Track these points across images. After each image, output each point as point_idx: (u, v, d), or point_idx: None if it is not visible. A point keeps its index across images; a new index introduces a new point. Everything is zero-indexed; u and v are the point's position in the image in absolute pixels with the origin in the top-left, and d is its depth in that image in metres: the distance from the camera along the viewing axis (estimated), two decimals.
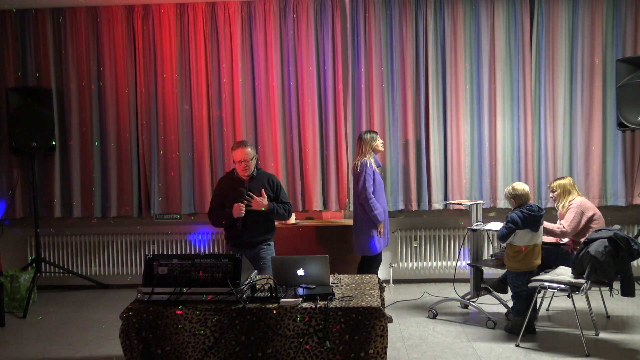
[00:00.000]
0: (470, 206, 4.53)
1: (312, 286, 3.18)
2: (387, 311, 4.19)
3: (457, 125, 5.27)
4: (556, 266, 4.15)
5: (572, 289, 3.71)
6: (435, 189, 5.29)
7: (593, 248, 3.62)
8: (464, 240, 5.31)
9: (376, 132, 4.54)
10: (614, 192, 5.23)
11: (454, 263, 5.41)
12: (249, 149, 3.98)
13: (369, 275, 3.63)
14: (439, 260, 5.48)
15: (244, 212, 3.91)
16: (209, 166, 5.39)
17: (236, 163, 4.01)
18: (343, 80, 5.31)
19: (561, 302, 4.62)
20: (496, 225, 4.24)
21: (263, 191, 3.98)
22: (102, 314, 4.75)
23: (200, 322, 2.96)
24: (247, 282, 3.16)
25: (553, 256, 4.31)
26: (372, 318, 2.89)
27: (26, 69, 5.37)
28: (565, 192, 4.41)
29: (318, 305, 2.93)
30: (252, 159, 4.00)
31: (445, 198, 5.32)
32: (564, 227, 4.28)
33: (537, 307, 4.13)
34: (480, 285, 4.49)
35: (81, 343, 4.10)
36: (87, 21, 5.35)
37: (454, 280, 4.96)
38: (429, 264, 5.49)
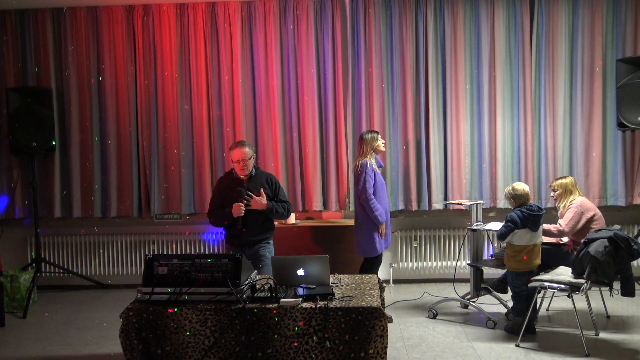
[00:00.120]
0: (470, 206, 4.52)
1: (312, 286, 3.18)
2: (387, 311, 4.20)
3: (457, 125, 5.27)
4: (556, 266, 4.16)
5: (572, 289, 3.71)
6: (435, 189, 5.29)
7: (593, 248, 3.62)
8: (464, 240, 5.31)
9: (377, 132, 4.50)
10: (614, 192, 5.23)
11: (454, 263, 5.41)
12: (247, 149, 4.00)
13: (369, 275, 3.63)
14: (439, 260, 5.49)
15: (243, 211, 3.92)
16: (209, 166, 5.39)
17: (234, 163, 4.03)
18: (343, 80, 5.31)
19: (561, 302, 4.62)
20: (496, 225, 4.24)
21: (262, 190, 3.99)
22: (102, 314, 4.75)
23: (200, 322, 2.96)
24: (247, 282, 3.16)
25: (553, 256, 4.31)
26: (372, 318, 2.89)
27: (26, 69, 5.37)
28: (567, 192, 4.40)
29: (318, 305, 2.93)
30: (250, 159, 4.02)
31: (445, 198, 5.32)
32: (561, 227, 4.28)
33: (537, 307, 4.13)
34: (480, 285, 4.49)
35: (81, 343, 4.10)
36: (87, 21, 5.35)
37: (454, 280, 4.96)
38: (429, 264, 5.49)
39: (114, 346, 3.90)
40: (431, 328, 4.19)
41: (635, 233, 5.17)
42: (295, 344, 2.91)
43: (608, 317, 4.35)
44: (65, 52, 5.36)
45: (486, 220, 4.69)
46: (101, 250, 5.58)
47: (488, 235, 4.91)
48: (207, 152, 5.38)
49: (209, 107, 5.36)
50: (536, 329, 4.04)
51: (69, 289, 5.56)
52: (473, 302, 4.44)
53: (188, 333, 2.96)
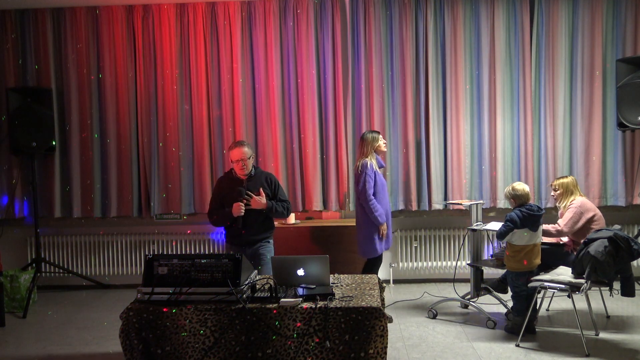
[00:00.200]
0: (470, 206, 4.52)
1: (312, 286, 3.18)
2: (387, 311, 4.20)
3: (457, 125, 5.27)
4: (556, 266, 4.15)
5: (572, 289, 3.71)
6: (435, 189, 5.29)
7: (593, 248, 3.62)
8: (464, 240, 5.31)
9: (379, 132, 4.48)
10: (614, 192, 5.23)
11: (454, 263, 5.41)
12: (246, 149, 4.02)
13: (369, 275, 3.63)
14: (439, 260, 5.49)
15: (243, 211, 3.93)
16: (209, 166, 5.39)
17: (234, 162, 4.05)
18: (343, 80, 5.31)
19: (561, 302, 4.62)
20: (496, 225, 4.23)
21: (261, 190, 4.00)
22: (102, 314, 4.75)
23: (200, 322, 2.96)
24: (247, 282, 3.16)
25: (553, 256, 4.31)
26: (372, 318, 2.89)
27: (26, 69, 5.37)
28: (568, 192, 4.39)
29: (318, 305, 2.93)
30: (249, 158, 4.03)
31: (445, 198, 5.32)
32: (559, 227, 4.28)
33: (537, 307, 4.13)
34: (480, 285, 4.49)
35: (81, 343, 4.10)
36: (87, 21, 5.35)
37: (454, 280, 4.96)
38: (429, 264, 5.49)
39: (114, 346, 3.91)
40: (431, 328, 4.19)
41: (635, 233, 5.17)
42: (289, 343, 2.91)
43: (608, 317, 4.35)
44: (65, 52, 5.36)
45: (486, 220, 4.69)
46: (101, 250, 5.58)
47: (488, 235, 4.91)
48: (207, 152, 5.38)
49: (209, 107, 5.37)
50: (536, 329, 4.04)
51: (69, 289, 5.56)
52: (473, 302, 4.44)
53: (184, 334, 2.96)
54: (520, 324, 3.88)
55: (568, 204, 4.35)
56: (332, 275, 3.44)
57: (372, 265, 4.41)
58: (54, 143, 5.25)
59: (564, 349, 3.73)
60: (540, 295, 4.11)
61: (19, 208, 5.43)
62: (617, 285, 4.03)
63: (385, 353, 2.90)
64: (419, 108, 5.27)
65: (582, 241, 3.85)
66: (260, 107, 5.32)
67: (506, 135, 5.25)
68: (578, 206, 4.28)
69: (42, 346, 4.05)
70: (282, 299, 2.98)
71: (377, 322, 2.89)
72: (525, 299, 3.93)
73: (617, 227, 3.82)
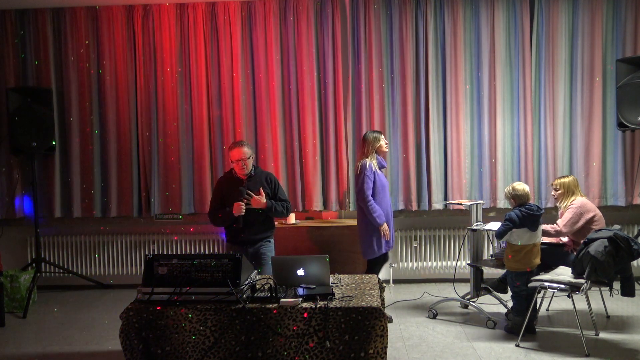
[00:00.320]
0: (470, 206, 4.52)
1: (312, 286, 3.18)
2: (387, 311, 4.21)
3: (457, 125, 5.27)
4: (556, 266, 4.15)
5: (572, 289, 3.71)
6: (435, 189, 5.29)
7: (593, 248, 3.62)
8: (464, 240, 5.31)
9: (380, 132, 4.46)
10: (614, 192, 5.23)
11: (454, 263, 5.41)
12: (246, 148, 4.03)
13: (369, 275, 3.64)
14: (439, 260, 5.49)
15: (244, 210, 3.94)
16: (209, 166, 5.39)
17: (234, 162, 4.06)
18: (343, 80, 5.31)
19: (561, 302, 4.62)
20: (496, 225, 4.23)
21: (261, 189, 4.01)
22: (102, 314, 4.75)
23: (200, 322, 2.97)
24: (247, 282, 3.16)
25: (553, 256, 4.31)
26: (372, 318, 2.89)
27: (26, 69, 5.37)
28: (569, 192, 4.39)
29: (318, 305, 2.93)
30: (249, 158, 4.05)
31: (445, 198, 5.32)
32: (558, 227, 4.27)
33: (537, 307, 4.13)
34: (480, 285, 4.49)
35: (81, 343, 4.10)
36: (87, 21, 5.34)
37: (454, 280, 4.96)
38: (429, 264, 5.49)
39: (114, 346, 3.91)
40: (431, 328, 4.19)
41: (635, 233, 5.17)
42: (281, 341, 2.91)
43: (608, 317, 4.35)
44: (65, 52, 5.36)
45: (486, 220, 4.69)
46: (101, 250, 5.58)
47: (488, 235, 4.91)
48: (207, 152, 5.38)
49: (209, 107, 5.36)
50: (536, 329, 4.04)
51: (69, 289, 5.56)
52: (473, 302, 4.44)
53: (184, 334, 2.96)
54: (520, 324, 3.88)
55: (568, 204, 4.35)
56: (332, 275, 3.45)
57: (372, 266, 4.41)
58: (54, 143, 5.25)
59: (564, 349, 3.73)
60: (540, 295, 4.11)
61: (18, 208, 5.43)
62: (617, 285, 4.03)
63: (385, 353, 2.91)
64: (419, 108, 5.27)
65: (582, 241, 3.85)
66: (260, 107, 5.32)
67: (506, 135, 5.25)
68: (578, 206, 4.28)
69: (42, 346, 4.05)
70: (282, 299, 2.98)
71: (377, 322, 2.89)
72: (525, 299, 3.93)
73: (617, 227, 3.82)
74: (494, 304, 4.54)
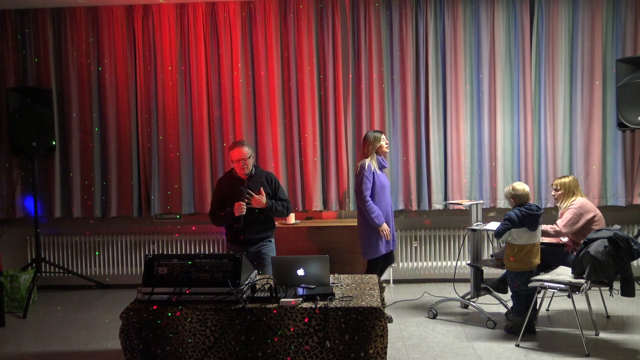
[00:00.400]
0: (470, 206, 4.52)
1: (312, 286, 3.18)
2: (387, 311, 4.21)
3: (457, 125, 5.27)
4: (556, 266, 4.15)
5: (572, 289, 3.71)
6: (435, 189, 5.29)
7: (593, 248, 3.62)
8: (464, 240, 5.31)
9: (381, 132, 4.44)
10: (614, 192, 5.23)
11: (454, 263, 5.41)
12: (246, 148, 4.04)
13: (369, 275, 3.64)
14: (439, 260, 5.49)
15: (245, 210, 3.94)
16: (209, 166, 5.39)
17: (234, 162, 4.06)
18: (343, 80, 5.31)
19: (561, 302, 4.62)
20: (496, 225, 4.23)
21: (262, 189, 4.01)
22: (102, 314, 4.75)
23: (200, 322, 2.96)
24: (247, 282, 3.16)
25: (553, 256, 4.31)
26: (372, 318, 2.89)
27: (26, 69, 5.37)
28: (569, 192, 4.38)
29: (318, 305, 2.93)
30: (249, 158, 4.05)
31: (445, 198, 5.32)
32: (557, 227, 4.27)
33: (537, 307, 4.13)
34: (480, 285, 4.49)
35: (81, 343, 4.10)
36: (87, 21, 5.35)
37: (454, 280, 4.96)
38: (429, 264, 5.49)
39: (114, 346, 3.91)
40: (431, 328, 4.19)
41: (635, 233, 5.17)
42: (281, 341, 2.91)
43: (608, 317, 4.35)
44: (65, 51, 5.36)
45: (486, 220, 4.69)
46: (101, 250, 5.58)
47: (488, 235, 4.91)
48: (207, 152, 5.38)
49: (209, 107, 5.37)
50: (536, 329, 4.04)
51: (69, 289, 5.56)
52: (473, 302, 4.44)
53: (184, 334, 2.96)
54: (520, 324, 3.88)
55: (569, 204, 4.35)
56: (332, 275, 3.44)
57: (373, 266, 4.40)
58: (54, 143, 5.25)
59: (564, 349, 3.73)
60: (540, 295, 4.11)
61: (19, 208, 5.43)
62: (617, 285, 4.03)
63: (385, 353, 2.91)
64: (419, 108, 5.27)
65: (582, 241, 3.85)
66: (260, 107, 5.32)
67: (506, 135, 5.25)
68: (578, 207, 4.27)
69: (42, 346, 4.05)
70: (282, 299, 2.98)
71: (377, 322, 2.89)
72: (525, 299, 3.93)
73: (617, 227, 3.82)
74: (494, 304, 4.54)
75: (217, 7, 5.28)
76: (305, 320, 2.91)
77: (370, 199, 4.27)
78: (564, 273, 3.95)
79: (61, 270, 5.51)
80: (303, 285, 3.19)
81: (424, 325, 4.26)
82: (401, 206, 5.33)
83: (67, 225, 5.56)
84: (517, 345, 3.79)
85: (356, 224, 4.54)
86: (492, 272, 4.95)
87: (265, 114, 5.31)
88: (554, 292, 4.04)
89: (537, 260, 3.99)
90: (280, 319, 2.93)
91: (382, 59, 5.26)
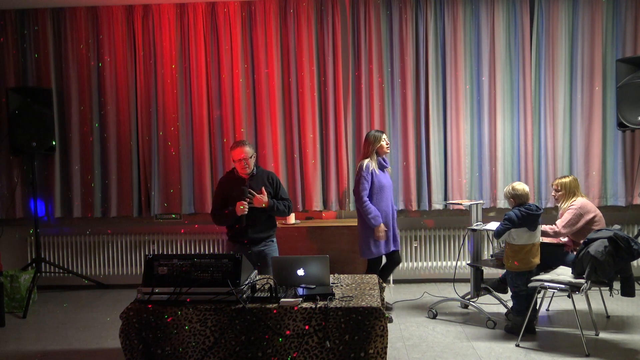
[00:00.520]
0: (470, 206, 4.52)
1: (312, 286, 3.18)
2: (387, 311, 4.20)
3: (457, 125, 5.27)
4: (556, 266, 4.15)
5: (572, 289, 3.71)
6: (435, 189, 5.29)
7: (593, 248, 3.62)
8: (464, 240, 5.31)
9: (382, 132, 4.43)
10: (614, 192, 5.23)
11: (454, 263, 5.41)
12: (248, 148, 4.04)
13: (369, 275, 3.63)
14: (439, 260, 5.48)
15: (247, 210, 3.94)
16: (209, 166, 5.39)
17: (236, 162, 4.06)
18: (343, 80, 5.31)
19: (561, 302, 4.62)
20: (496, 225, 4.23)
21: (263, 189, 4.02)
22: (102, 314, 4.75)
23: (200, 322, 2.96)
24: (247, 282, 3.16)
25: (553, 256, 4.31)
26: (372, 318, 2.89)
27: (26, 69, 5.37)
28: (570, 192, 4.38)
29: (318, 305, 2.93)
30: (251, 157, 4.06)
31: (445, 198, 5.32)
32: (557, 228, 4.27)
33: (537, 307, 4.13)
34: (480, 285, 4.49)
35: (81, 343, 4.10)
36: (87, 21, 5.35)
37: (454, 280, 4.96)
38: (429, 264, 5.49)
39: (114, 346, 3.91)
40: (431, 328, 4.19)
41: (635, 233, 5.17)
42: (295, 344, 2.91)
43: (608, 317, 4.35)
44: (65, 51, 5.36)
45: (486, 220, 4.69)
46: (101, 250, 5.58)
47: (488, 235, 4.91)
48: (207, 152, 5.38)
49: (209, 107, 5.37)
50: (536, 329, 4.04)
51: (69, 289, 5.56)
52: (473, 302, 4.44)
53: (184, 334, 2.96)
54: (520, 324, 3.88)
55: (569, 205, 4.34)
56: (332, 275, 3.44)
57: (372, 266, 4.40)
58: (54, 143, 5.24)
59: (564, 349, 3.73)
60: (540, 295, 4.11)
61: (19, 208, 5.43)
62: (617, 285, 4.03)
63: (385, 353, 2.91)
64: (419, 108, 5.27)
65: (582, 241, 3.85)
66: (260, 107, 5.32)
67: (506, 135, 5.25)
68: (578, 207, 4.27)
69: (42, 346, 4.05)
70: (282, 299, 2.98)
71: (377, 322, 2.89)
72: (525, 299, 3.93)
73: (617, 227, 3.81)
74: (494, 304, 4.54)
75: (217, 7, 5.28)
76: (305, 319, 2.90)
77: (368, 199, 4.27)
78: (564, 273, 3.95)
79: (61, 270, 5.51)
80: (303, 285, 3.19)
81: (424, 325, 4.26)
82: (401, 206, 5.33)
83: (67, 225, 5.55)
84: (517, 345, 3.79)
85: (356, 224, 4.55)
86: (492, 272, 4.95)
87: (265, 114, 5.31)
88: (554, 292, 4.04)
89: (537, 260, 3.99)
90: (280, 319, 2.93)
91: (382, 59, 5.26)
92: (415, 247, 5.49)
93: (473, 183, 5.31)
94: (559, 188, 4.42)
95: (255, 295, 3.09)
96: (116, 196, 5.41)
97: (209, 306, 2.97)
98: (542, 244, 4.12)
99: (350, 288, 3.28)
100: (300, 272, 3.23)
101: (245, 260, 3.16)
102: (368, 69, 5.27)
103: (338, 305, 2.94)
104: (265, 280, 3.24)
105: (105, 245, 5.59)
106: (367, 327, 2.88)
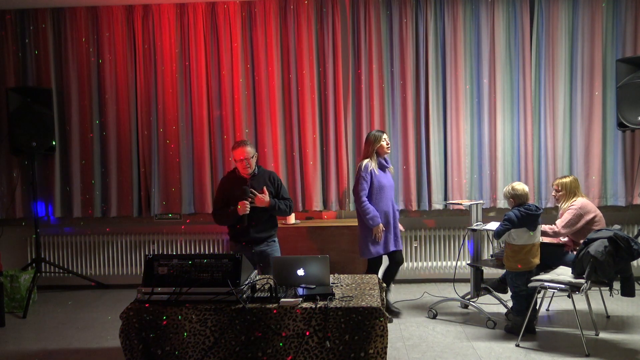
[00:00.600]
0: (470, 206, 4.52)
1: (312, 286, 3.18)
2: (387, 311, 4.20)
3: (457, 125, 5.27)
4: (556, 266, 4.15)
5: (572, 289, 3.71)
6: (435, 189, 5.29)
7: (593, 248, 3.62)
8: (464, 240, 5.31)
9: (382, 132, 4.41)
10: (614, 192, 5.23)
11: (454, 263, 5.41)
12: (249, 148, 4.06)
13: (369, 275, 3.63)
14: (439, 260, 5.48)
15: (248, 209, 3.95)
16: (209, 166, 5.39)
17: (237, 162, 4.07)
18: (343, 80, 5.31)
19: (561, 302, 4.62)
20: (496, 225, 4.23)
21: (265, 188, 4.03)
22: (102, 314, 4.75)
23: (200, 322, 2.96)
24: (247, 282, 3.16)
25: (553, 256, 4.31)
26: (372, 318, 2.89)
27: (26, 69, 5.37)
28: (570, 193, 4.38)
29: (318, 305, 2.93)
30: (252, 157, 4.07)
31: (445, 198, 5.32)
32: (556, 228, 4.27)
33: (537, 307, 4.13)
34: (480, 285, 4.49)
35: (81, 343, 4.10)
36: (87, 21, 5.35)
37: (454, 280, 4.96)
38: (429, 264, 5.49)
39: (114, 346, 3.91)
40: (431, 328, 4.19)
41: (635, 233, 5.17)
42: (295, 344, 2.91)
43: (608, 317, 4.35)
44: (65, 51, 5.36)
45: (486, 220, 4.69)
46: (101, 250, 5.58)
47: (488, 235, 4.90)
48: (207, 152, 5.38)
49: (209, 107, 5.37)
50: (536, 329, 4.04)
51: (69, 289, 5.56)
52: (473, 302, 4.44)
53: (184, 334, 2.96)
54: (520, 324, 3.88)
55: (569, 205, 4.34)
56: (332, 275, 3.45)
57: (372, 266, 4.39)
58: (54, 143, 5.25)
59: (564, 349, 3.73)
60: (540, 295, 4.11)
61: (19, 208, 5.43)
62: (617, 285, 4.03)
63: (385, 353, 2.91)
64: (419, 108, 5.27)
65: (582, 241, 3.85)
66: (260, 107, 5.32)
67: (506, 135, 5.25)
68: (578, 208, 4.27)
69: (42, 346, 4.05)
70: (282, 299, 2.98)
71: (377, 322, 2.88)
72: (525, 299, 3.93)
73: (617, 227, 3.82)
74: (494, 304, 4.54)
75: (217, 7, 5.28)
76: (305, 319, 2.91)
77: (366, 199, 4.27)
78: (564, 273, 3.95)
79: (61, 270, 5.51)
80: (303, 285, 3.19)
81: (424, 325, 4.26)
82: (401, 206, 5.33)
83: (67, 225, 5.55)
84: (517, 345, 3.79)
85: (356, 224, 4.55)
86: (492, 272, 4.95)
87: (265, 114, 5.31)
88: (554, 292, 4.04)
89: (537, 260, 3.99)
90: (280, 319, 2.93)
91: (382, 59, 5.26)
92: (415, 247, 5.49)
93: (473, 183, 5.31)
94: (560, 188, 4.43)
95: (255, 295, 3.09)
96: (116, 196, 5.41)
97: (209, 306, 2.97)
98: (542, 244, 4.12)
99: (350, 288, 3.28)
100: (300, 272, 3.23)
101: (245, 260, 3.16)
102: (368, 69, 5.27)
103: (338, 305, 2.94)
104: (265, 280, 3.24)
105: (105, 245, 5.59)
106: (367, 327, 2.88)
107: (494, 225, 4.30)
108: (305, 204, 5.37)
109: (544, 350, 3.71)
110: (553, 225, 4.31)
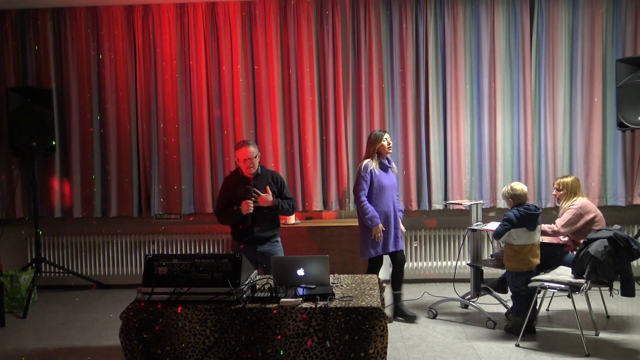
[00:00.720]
0: (470, 206, 4.52)
1: (312, 286, 3.18)
2: (387, 311, 4.20)
3: (457, 125, 5.27)
4: (556, 266, 4.15)
5: (572, 289, 3.71)
6: (435, 189, 5.29)
7: (593, 248, 3.62)
8: (464, 240, 5.31)
9: (384, 132, 4.35)
10: (614, 192, 5.23)
11: (454, 263, 5.41)
12: (252, 148, 4.07)
13: (369, 275, 3.63)
14: (439, 260, 5.48)
15: (252, 208, 3.96)
16: (209, 166, 5.39)
17: (240, 162, 4.08)
18: (343, 80, 5.31)
19: (561, 302, 4.62)
20: (496, 225, 4.23)
21: (268, 188, 4.03)
22: (102, 314, 4.75)
23: (200, 322, 2.96)
24: (247, 282, 3.16)
25: (553, 256, 4.31)
26: (372, 318, 2.89)
27: (26, 69, 5.37)
28: (571, 192, 4.38)
29: (318, 305, 2.93)
30: (255, 157, 4.09)
31: (445, 198, 5.32)
32: (556, 227, 4.27)
33: (537, 307, 4.13)
34: (480, 285, 4.49)
35: (81, 343, 4.10)
36: (87, 21, 5.35)
37: (454, 280, 4.96)
38: (429, 264, 5.49)
39: (114, 346, 3.91)
40: (431, 328, 4.19)
41: (635, 233, 5.17)
42: (281, 341, 2.91)
43: (608, 317, 4.35)
44: (65, 51, 5.36)
45: (486, 220, 4.69)
46: (101, 250, 5.58)
47: (488, 235, 4.90)
48: (207, 152, 5.38)
49: (209, 107, 5.37)
50: (536, 329, 4.04)
51: (69, 289, 5.56)
52: (473, 302, 4.44)
53: (184, 334, 2.96)
54: (520, 324, 3.88)
55: (570, 204, 4.35)
56: (332, 275, 3.44)
57: (373, 266, 4.39)
58: (54, 143, 5.25)
59: (564, 349, 3.73)
60: (540, 295, 4.11)
61: (19, 208, 5.43)
62: (617, 285, 4.03)
63: (385, 353, 2.90)
64: (419, 108, 5.27)
65: (582, 241, 3.85)
66: (260, 107, 5.33)
67: (506, 135, 5.26)
68: (578, 207, 4.27)
69: (42, 346, 4.05)
70: (282, 299, 2.98)
71: (377, 322, 2.88)
72: (525, 299, 3.93)
73: (617, 227, 3.82)
74: (494, 304, 4.54)
75: (217, 7, 5.28)
76: (305, 319, 2.90)
77: (366, 199, 4.25)
78: (564, 273, 3.95)
79: (61, 270, 5.51)
80: (303, 285, 3.19)
81: (424, 325, 4.26)
82: (401, 206, 5.32)
83: (67, 225, 5.55)
84: (517, 345, 3.79)
85: (356, 224, 4.54)
86: (492, 272, 4.95)
87: (265, 114, 5.31)
88: (554, 292, 4.04)
89: (537, 260, 3.99)
90: (280, 319, 2.92)
91: (382, 59, 5.26)
92: (415, 247, 5.49)
93: (473, 183, 5.31)
94: (561, 187, 4.43)
95: (255, 295, 3.08)
96: (116, 196, 5.41)
97: (209, 306, 2.97)
98: (542, 244, 4.12)
99: (350, 288, 3.28)
100: (301, 272, 3.23)
101: (245, 260, 3.16)
102: (368, 69, 5.27)
103: (338, 305, 2.94)
104: (265, 280, 3.24)
105: (105, 245, 5.59)
106: (367, 327, 2.88)
107: (493, 225, 4.30)
108: (305, 204, 5.37)
109: (544, 350, 3.71)
110: (553, 224, 4.31)
